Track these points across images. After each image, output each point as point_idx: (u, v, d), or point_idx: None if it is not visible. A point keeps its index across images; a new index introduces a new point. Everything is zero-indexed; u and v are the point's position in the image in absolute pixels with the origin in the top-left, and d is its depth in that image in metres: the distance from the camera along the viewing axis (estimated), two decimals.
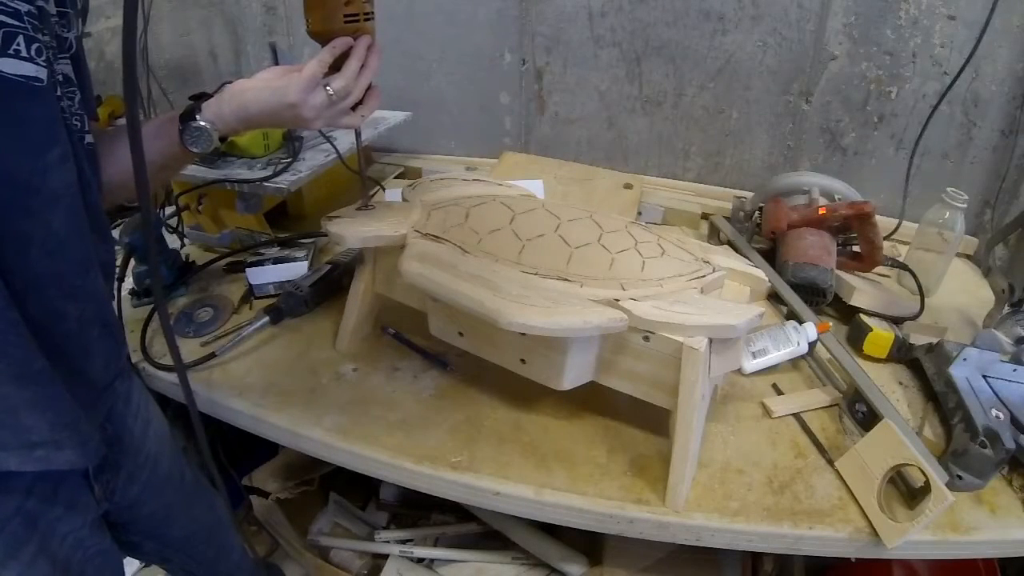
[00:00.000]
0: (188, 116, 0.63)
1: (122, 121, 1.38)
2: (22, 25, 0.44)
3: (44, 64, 0.46)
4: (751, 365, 0.83)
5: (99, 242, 0.57)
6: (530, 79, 1.31)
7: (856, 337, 0.89)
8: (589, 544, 1.01)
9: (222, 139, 0.65)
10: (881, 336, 0.86)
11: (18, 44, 0.44)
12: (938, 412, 0.78)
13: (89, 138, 0.56)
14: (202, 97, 0.65)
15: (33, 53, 0.45)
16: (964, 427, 0.70)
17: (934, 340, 0.83)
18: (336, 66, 0.63)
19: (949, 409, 0.75)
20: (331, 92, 0.62)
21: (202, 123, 0.63)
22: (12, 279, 0.47)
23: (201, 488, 0.84)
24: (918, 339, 0.86)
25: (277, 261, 0.98)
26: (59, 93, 0.51)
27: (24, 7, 0.45)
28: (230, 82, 0.66)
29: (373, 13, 0.64)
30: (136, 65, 0.31)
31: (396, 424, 0.75)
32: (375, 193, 1.27)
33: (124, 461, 0.67)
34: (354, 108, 0.66)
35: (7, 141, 0.45)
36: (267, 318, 0.87)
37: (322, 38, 0.63)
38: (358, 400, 0.78)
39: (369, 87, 0.66)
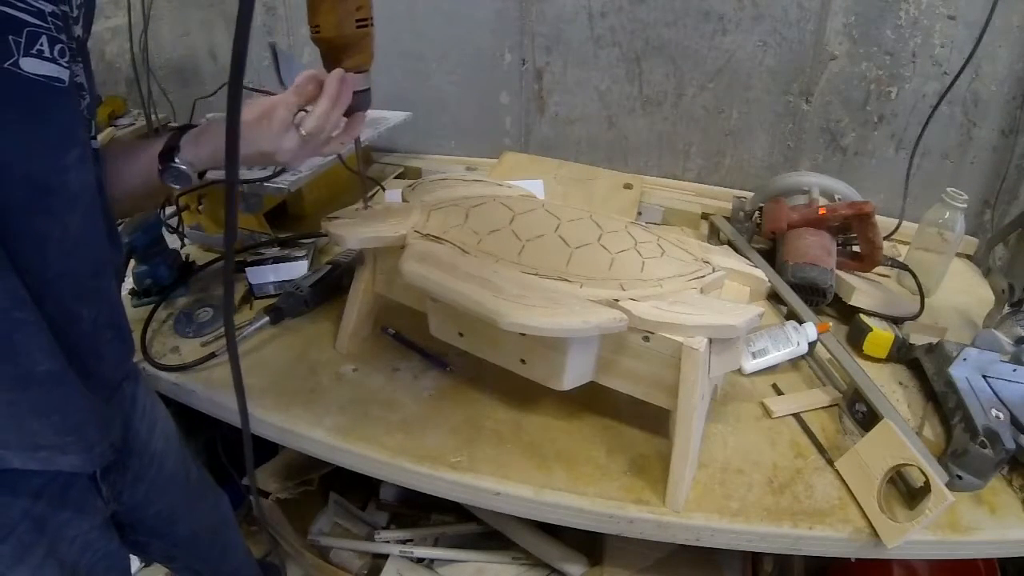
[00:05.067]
0: (167, 155, 0.62)
1: (122, 121, 1.38)
2: (46, 25, 0.44)
3: (66, 65, 0.46)
4: (751, 365, 0.83)
5: (110, 244, 0.57)
6: (530, 79, 1.31)
7: (856, 337, 0.89)
8: (589, 544, 1.01)
9: (200, 175, 0.64)
10: (881, 336, 0.86)
11: (41, 44, 0.44)
12: (938, 412, 0.78)
13: (95, 143, 0.56)
14: (184, 130, 0.64)
15: (56, 54, 0.45)
16: (964, 427, 0.70)
17: (934, 340, 0.83)
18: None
19: (949, 409, 0.75)
20: (304, 133, 0.62)
21: (180, 165, 0.62)
22: (29, 279, 0.47)
23: (205, 486, 0.84)
24: (918, 339, 0.86)
25: (277, 261, 0.98)
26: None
27: (48, 7, 0.45)
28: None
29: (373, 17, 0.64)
30: (246, 53, 0.30)
31: (396, 424, 0.75)
32: (375, 193, 1.27)
33: (131, 462, 0.67)
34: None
35: (29, 141, 0.45)
36: (267, 318, 0.87)
37: (333, 43, 0.63)
38: (358, 400, 0.78)
39: (352, 115, 0.66)
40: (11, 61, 0.42)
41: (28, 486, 0.54)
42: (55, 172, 0.47)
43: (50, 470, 0.55)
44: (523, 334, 0.64)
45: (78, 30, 0.51)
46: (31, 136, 0.45)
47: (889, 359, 0.87)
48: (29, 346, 0.47)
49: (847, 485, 0.68)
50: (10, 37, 0.42)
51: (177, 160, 0.62)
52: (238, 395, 0.46)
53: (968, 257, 1.17)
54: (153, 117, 1.38)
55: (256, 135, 0.61)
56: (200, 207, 1.06)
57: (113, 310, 0.59)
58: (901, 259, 1.03)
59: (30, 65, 0.43)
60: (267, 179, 0.97)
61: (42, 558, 0.56)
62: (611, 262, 0.68)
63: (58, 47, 0.45)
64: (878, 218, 0.95)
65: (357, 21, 0.62)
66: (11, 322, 0.45)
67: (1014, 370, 0.76)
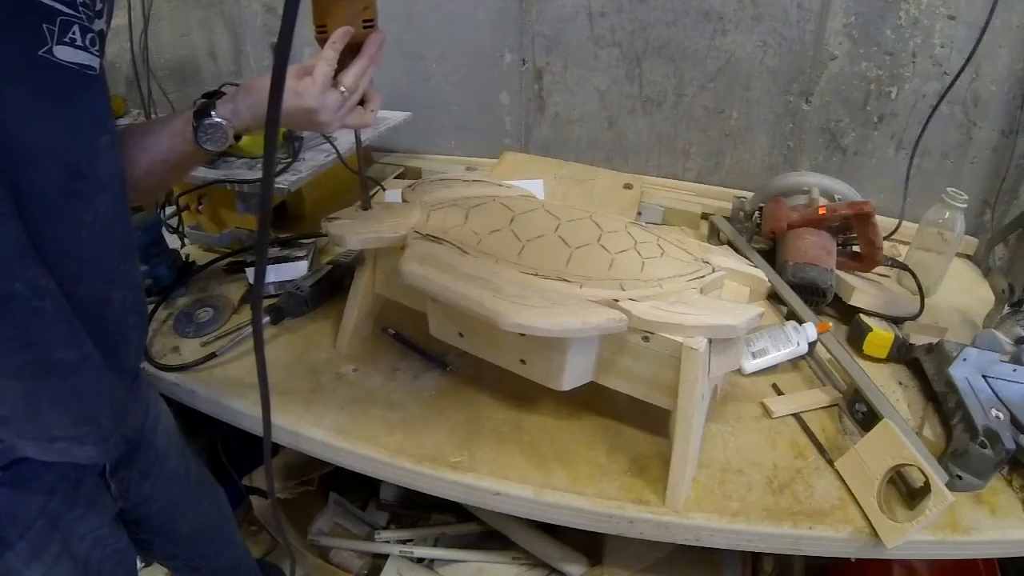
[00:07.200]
0: (202, 113, 0.62)
1: (121, 121, 1.38)
2: (77, 15, 0.45)
3: (97, 54, 0.47)
4: (751, 365, 0.83)
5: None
6: (530, 79, 1.31)
7: (856, 337, 0.89)
8: (589, 544, 1.01)
9: (236, 137, 0.64)
10: (881, 336, 0.86)
11: (74, 33, 0.45)
12: (938, 412, 0.78)
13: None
14: (214, 95, 0.65)
15: (87, 42, 0.46)
16: (964, 427, 0.70)
17: (934, 340, 0.83)
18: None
19: (949, 409, 0.75)
20: (344, 90, 0.62)
21: (217, 119, 0.61)
22: (66, 263, 0.48)
23: (205, 483, 0.84)
24: (918, 339, 0.86)
25: (277, 261, 0.98)
26: None
27: None
28: (232, 83, 0.66)
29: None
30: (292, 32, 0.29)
31: (396, 424, 0.75)
32: (375, 193, 1.27)
33: (137, 458, 0.67)
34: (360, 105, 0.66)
35: (64, 127, 0.46)
36: (267, 318, 0.87)
37: None
38: (358, 400, 0.78)
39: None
40: (45, 49, 0.43)
41: (42, 482, 0.55)
42: (87, 158, 0.49)
43: (63, 464, 0.55)
44: (523, 334, 0.64)
45: (101, 23, 0.51)
46: (66, 123, 0.46)
47: (889, 359, 0.87)
48: (46, 335, 0.47)
49: (847, 485, 0.68)
50: (44, 25, 0.43)
51: (213, 114, 0.61)
52: (263, 400, 0.46)
53: (968, 257, 1.17)
54: (153, 117, 1.38)
55: (303, 90, 0.61)
56: (200, 207, 1.06)
57: (138, 294, 0.60)
58: (901, 259, 1.03)
59: (64, 53, 0.44)
60: None
61: (56, 555, 0.56)
62: (611, 262, 0.68)
63: (89, 36, 0.47)
64: (878, 218, 0.95)
65: (364, 22, 0.62)
66: (30, 311, 0.45)
67: (1014, 370, 0.76)
